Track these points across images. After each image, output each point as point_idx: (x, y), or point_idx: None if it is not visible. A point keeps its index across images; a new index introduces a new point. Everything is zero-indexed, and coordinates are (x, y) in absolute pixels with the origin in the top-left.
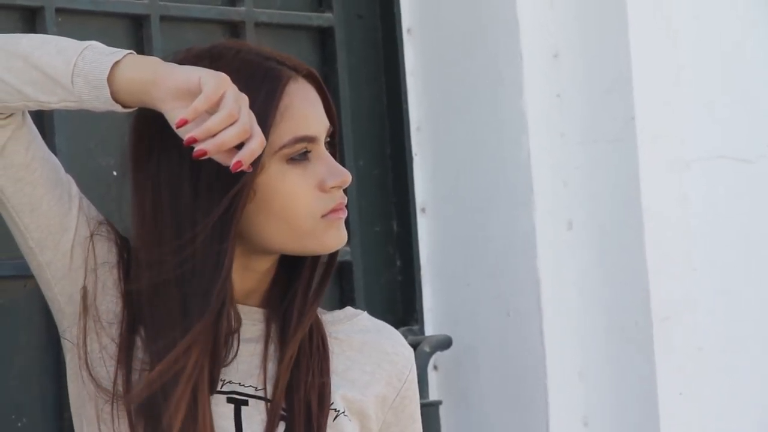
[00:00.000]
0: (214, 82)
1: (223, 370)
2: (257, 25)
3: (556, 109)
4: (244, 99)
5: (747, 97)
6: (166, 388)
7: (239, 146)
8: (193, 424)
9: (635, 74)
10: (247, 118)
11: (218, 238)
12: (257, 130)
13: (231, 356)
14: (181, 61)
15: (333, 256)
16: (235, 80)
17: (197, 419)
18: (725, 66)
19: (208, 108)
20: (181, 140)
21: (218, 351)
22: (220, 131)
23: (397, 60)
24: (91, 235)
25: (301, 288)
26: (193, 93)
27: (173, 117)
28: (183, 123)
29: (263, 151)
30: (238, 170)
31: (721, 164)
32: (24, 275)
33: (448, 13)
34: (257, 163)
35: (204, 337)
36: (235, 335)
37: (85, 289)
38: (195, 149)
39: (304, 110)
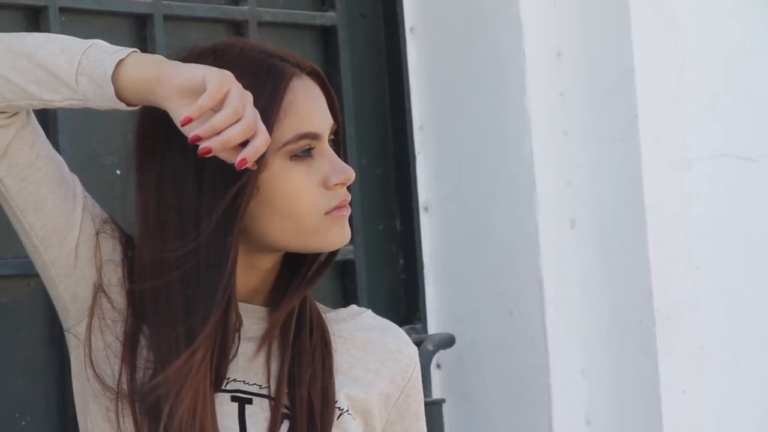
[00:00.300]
0: (219, 80)
1: (228, 368)
2: (260, 24)
3: (558, 108)
4: (249, 96)
5: (749, 96)
6: (170, 388)
7: (244, 144)
8: (197, 422)
9: (638, 73)
10: (252, 116)
11: (222, 234)
12: (262, 127)
13: (232, 354)
14: (185, 59)
15: (332, 251)
16: (238, 77)
17: (201, 418)
18: (727, 65)
19: (212, 106)
20: (186, 138)
21: (226, 349)
22: (225, 129)
23: (399, 59)
24: (97, 234)
25: (300, 281)
26: (198, 91)
27: (178, 115)
28: (187, 121)
29: (267, 149)
30: (243, 168)
31: (724, 163)
32: (27, 274)
33: (450, 12)
34: (261, 160)
35: (212, 337)
36: (237, 333)
37: (96, 286)
38: (199, 147)
39: (308, 107)
